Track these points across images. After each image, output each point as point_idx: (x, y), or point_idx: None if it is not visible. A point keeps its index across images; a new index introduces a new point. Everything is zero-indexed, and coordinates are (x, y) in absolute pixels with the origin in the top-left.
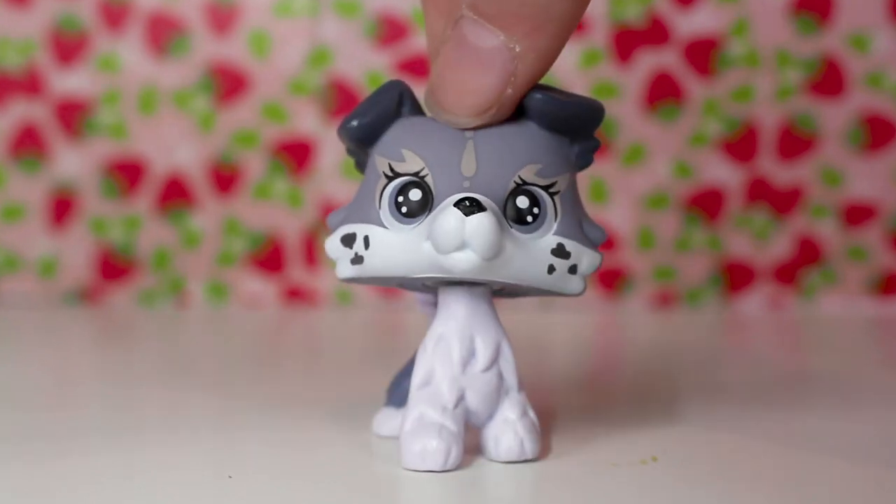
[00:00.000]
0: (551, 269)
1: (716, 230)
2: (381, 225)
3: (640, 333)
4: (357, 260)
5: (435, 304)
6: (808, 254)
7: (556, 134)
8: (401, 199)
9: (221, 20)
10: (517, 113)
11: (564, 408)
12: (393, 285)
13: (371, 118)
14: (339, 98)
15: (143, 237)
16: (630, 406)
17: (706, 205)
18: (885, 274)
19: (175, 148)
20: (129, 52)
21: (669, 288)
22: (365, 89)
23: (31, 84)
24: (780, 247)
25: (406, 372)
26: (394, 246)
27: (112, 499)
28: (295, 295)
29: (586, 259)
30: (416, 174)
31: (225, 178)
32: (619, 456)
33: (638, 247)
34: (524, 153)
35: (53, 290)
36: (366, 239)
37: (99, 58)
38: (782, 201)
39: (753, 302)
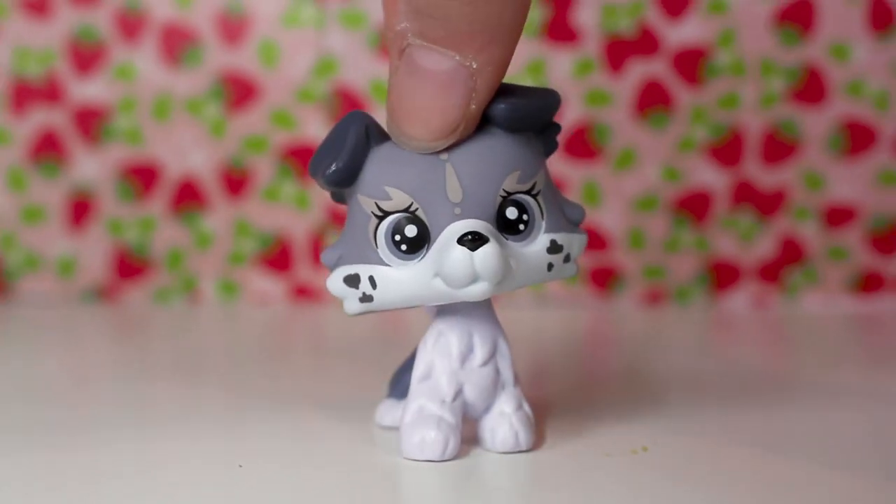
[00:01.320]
0: (550, 266)
1: (703, 231)
2: (384, 263)
3: (630, 330)
4: (366, 299)
5: None
6: (790, 254)
7: (523, 133)
8: (397, 237)
9: (232, 31)
10: (482, 121)
11: (558, 400)
12: None
13: (345, 161)
14: (345, 105)
15: (158, 238)
16: (621, 399)
17: (694, 207)
18: (864, 273)
19: (188, 153)
20: (144, 62)
21: (659, 286)
22: (369, 97)
23: (50, 92)
24: (764, 247)
25: (407, 366)
26: (402, 282)
27: (129, 487)
28: (302, 293)
29: (576, 244)
30: (406, 210)
31: (235, 182)
32: (611, 446)
33: (629, 247)
34: (502, 163)
35: (72, 288)
36: (371, 279)
37: (115, 67)
38: (766, 204)
39: (739, 300)
